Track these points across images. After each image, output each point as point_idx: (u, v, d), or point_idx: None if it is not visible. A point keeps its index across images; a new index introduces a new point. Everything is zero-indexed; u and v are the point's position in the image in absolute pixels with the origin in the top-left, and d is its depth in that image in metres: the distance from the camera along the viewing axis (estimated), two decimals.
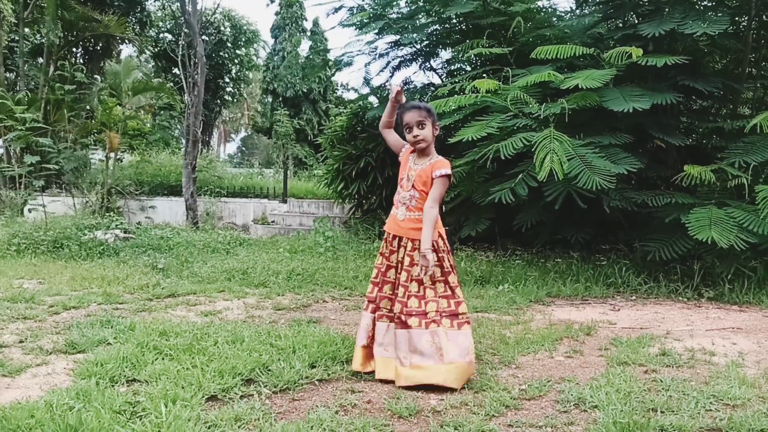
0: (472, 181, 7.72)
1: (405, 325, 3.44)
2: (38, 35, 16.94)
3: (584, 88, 6.09)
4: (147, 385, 3.12)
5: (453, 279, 3.56)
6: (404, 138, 3.69)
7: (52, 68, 14.68)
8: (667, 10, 7.11)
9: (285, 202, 14.31)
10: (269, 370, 3.46)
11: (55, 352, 3.82)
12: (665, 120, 7.17)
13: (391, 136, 3.81)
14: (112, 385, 3.10)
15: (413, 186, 3.56)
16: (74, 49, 16.39)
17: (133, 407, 2.78)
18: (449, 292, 3.52)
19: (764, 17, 7.79)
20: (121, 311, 5.07)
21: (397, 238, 3.60)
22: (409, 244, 3.53)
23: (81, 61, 16.45)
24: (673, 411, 2.94)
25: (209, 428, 2.57)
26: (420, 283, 3.48)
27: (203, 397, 2.97)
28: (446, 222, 8.89)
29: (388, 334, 3.56)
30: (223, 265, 7.51)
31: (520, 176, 6.58)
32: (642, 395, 3.16)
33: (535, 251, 8.33)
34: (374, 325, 3.63)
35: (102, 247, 8.32)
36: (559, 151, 5.85)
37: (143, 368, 3.37)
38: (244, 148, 52.15)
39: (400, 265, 3.57)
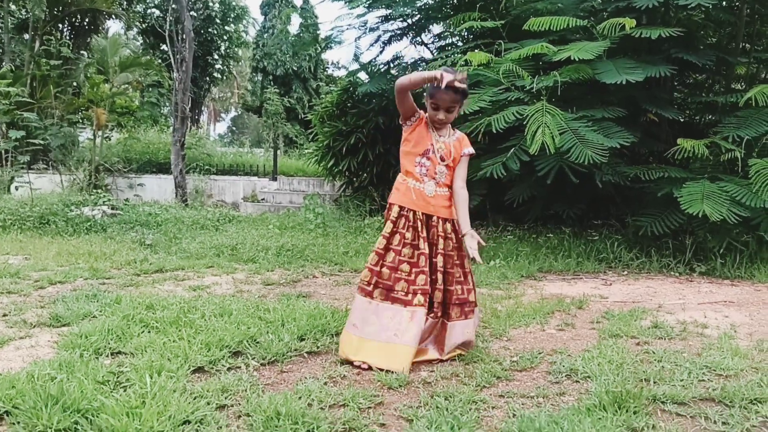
0: None
1: (448, 317, 3.31)
2: (23, 10, 16.64)
3: (577, 60, 6.01)
4: (132, 357, 3.06)
5: (468, 264, 3.40)
6: (421, 106, 3.40)
7: (37, 44, 14.44)
8: None
9: (275, 179, 14.22)
10: (257, 342, 3.40)
11: (39, 326, 3.75)
12: (659, 94, 7.11)
13: (408, 98, 3.34)
14: (96, 357, 3.04)
15: (443, 160, 3.30)
16: (60, 25, 16.11)
17: (117, 378, 2.72)
18: (463, 278, 3.35)
19: None
20: (107, 286, 5.00)
21: (424, 217, 3.29)
22: (440, 224, 3.29)
23: (67, 36, 16.16)
24: (666, 381, 2.90)
25: (195, 399, 2.51)
26: (462, 267, 3.32)
27: (189, 368, 2.91)
28: None
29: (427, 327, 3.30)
30: (212, 241, 7.44)
31: (512, 150, 6.52)
32: (634, 366, 3.12)
33: (527, 227, 8.29)
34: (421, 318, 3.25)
35: (89, 223, 8.23)
36: (551, 124, 5.78)
37: (129, 341, 3.31)
38: (234, 128, 51.80)
39: (434, 248, 3.29)
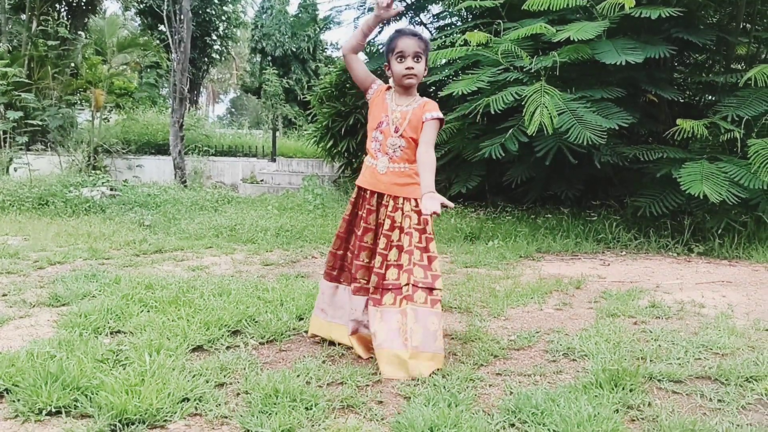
0: (463, 137, 7.64)
1: (378, 302, 2.89)
2: None
3: (576, 40, 5.98)
4: (131, 336, 3.07)
5: (433, 248, 2.94)
6: (385, 73, 3.11)
7: (35, 24, 14.32)
8: None
9: (274, 161, 14.20)
10: (256, 321, 3.42)
11: (38, 305, 3.76)
12: (658, 74, 7.08)
13: (359, 65, 3.13)
14: (96, 336, 3.05)
15: (401, 133, 2.94)
16: (57, 5, 15.94)
17: (117, 356, 2.73)
18: (426, 263, 2.88)
19: None
20: (106, 266, 5.01)
21: (375, 196, 2.99)
22: (391, 203, 2.94)
23: (64, 17, 16.02)
24: (663, 359, 2.92)
25: (194, 377, 2.52)
26: (400, 249, 2.90)
27: (188, 347, 2.93)
28: (436, 180, 8.85)
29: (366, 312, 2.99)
30: (211, 222, 7.45)
31: (510, 131, 6.50)
32: (631, 345, 3.14)
33: (526, 208, 8.29)
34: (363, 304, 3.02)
35: (88, 204, 8.23)
36: (550, 105, 5.77)
37: (128, 320, 3.33)
38: (233, 109, 51.59)
39: (379, 228, 2.97)
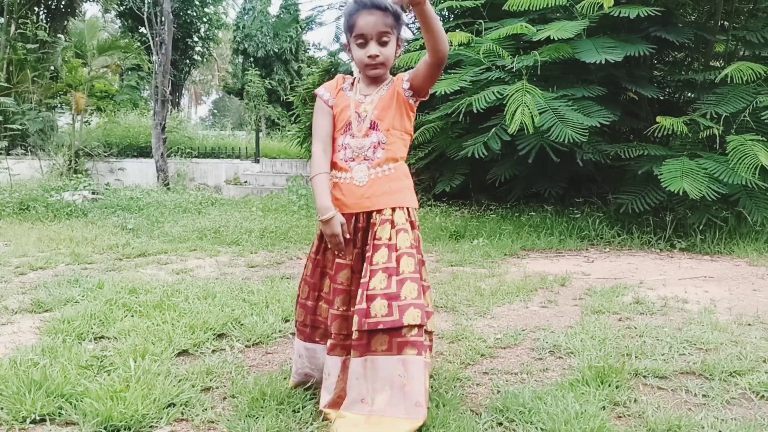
0: (446, 136, 7.66)
1: (365, 349, 2.15)
2: None
3: (556, 39, 6.02)
4: (115, 341, 3.05)
5: (426, 274, 2.39)
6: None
7: (13, 27, 14.17)
8: None
9: (257, 162, 14.16)
10: (242, 324, 3.41)
11: (21, 312, 3.72)
12: (638, 72, 7.14)
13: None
14: (80, 342, 3.03)
15: (374, 126, 2.30)
16: (36, 8, 15.81)
17: (101, 362, 2.71)
18: (416, 295, 2.17)
19: None
20: (89, 271, 4.97)
21: (353, 219, 2.30)
22: (378, 218, 2.26)
23: (44, 19, 15.87)
24: (648, 356, 2.94)
25: (180, 381, 2.51)
26: (391, 273, 2.17)
27: (174, 351, 2.91)
28: (420, 178, 8.89)
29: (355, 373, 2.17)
30: (194, 224, 7.41)
31: (493, 130, 6.52)
32: (616, 341, 3.16)
33: (510, 206, 8.32)
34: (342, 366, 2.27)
35: (70, 209, 8.15)
36: (531, 104, 5.79)
37: (112, 325, 3.30)
38: (215, 111, 51.34)
39: (359, 260, 2.29)
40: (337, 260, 2.30)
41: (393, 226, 2.25)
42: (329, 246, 2.32)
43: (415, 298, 2.15)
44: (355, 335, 2.15)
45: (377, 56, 2.26)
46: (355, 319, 2.15)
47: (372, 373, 2.13)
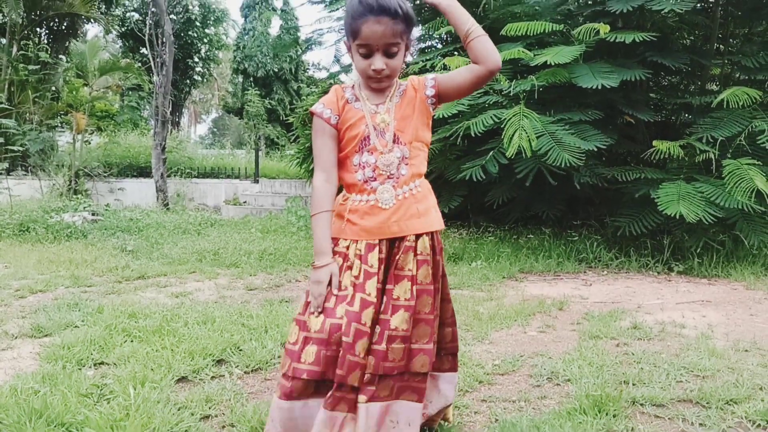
0: (445, 158, 7.70)
1: (373, 395, 1.94)
2: (0, 14, 16.48)
3: (554, 64, 6.08)
4: (115, 368, 3.06)
5: (451, 310, 2.30)
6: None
7: (15, 48, 14.29)
8: None
9: (257, 182, 14.21)
10: (241, 350, 3.42)
11: (21, 337, 3.74)
12: (635, 96, 7.20)
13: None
14: (79, 369, 3.04)
15: (396, 139, 2.04)
16: (38, 29, 15.95)
17: (101, 390, 2.73)
18: (428, 340, 2.04)
19: None
20: (89, 294, 4.98)
21: (377, 248, 2.00)
22: (402, 246, 2.03)
23: (45, 41, 16.00)
24: (645, 383, 2.96)
25: (179, 410, 2.53)
26: (411, 312, 1.98)
27: (173, 378, 2.92)
28: None
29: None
30: (194, 246, 7.42)
31: (490, 153, 6.56)
32: (614, 368, 3.18)
33: (508, 228, 8.35)
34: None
35: (69, 230, 8.17)
36: (528, 128, 5.84)
37: (111, 351, 3.31)
38: (215, 129, 51.56)
39: (381, 293, 2.00)
40: (362, 296, 1.95)
41: (415, 255, 2.02)
42: (310, 297, 2.00)
43: (425, 343, 2.02)
44: (367, 377, 1.93)
45: (383, 70, 1.98)
46: (371, 360, 1.93)
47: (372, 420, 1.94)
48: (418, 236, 2.04)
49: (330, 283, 1.97)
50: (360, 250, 2.01)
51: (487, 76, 2.01)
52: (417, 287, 2.01)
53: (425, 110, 2.09)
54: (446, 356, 2.21)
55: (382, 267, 2.01)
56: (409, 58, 2.15)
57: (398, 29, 1.93)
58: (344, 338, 1.91)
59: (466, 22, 2.03)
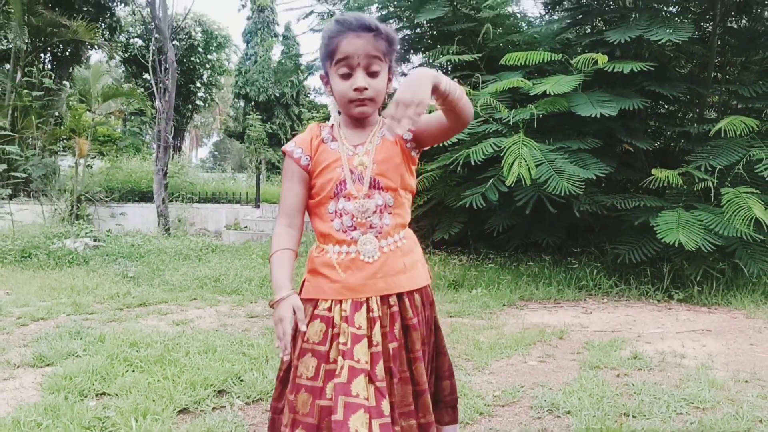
0: (445, 184, 7.75)
1: None
2: (5, 41, 16.66)
3: (553, 93, 6.14)
4: (117, 399, 3.07)
5: (448, 363, 2.02)
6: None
7: (19, 74, 14.42)
8: (634, 16, 7.22)
9: (257, 207, 14.24)
10: (242, 380, 3.43)
11: (23, 366, 3.75)
12: (633, 124, 7.26)
13: None
14: (82, 399, 3.05)
15: (376, 184, 1.79)
16: (42, 55, 16.12)
17: (103, 422, 2.74)
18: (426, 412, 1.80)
19: (728, 23, 7.95)
20: (90, 322, 4.99)
21: (364, 306, 1.74)
22: (395, 309, 1.78)
23: (49, 66, 16.16)
24: (645, 415, 2.97)
25: None
26: (407, 385, 1.76)
27: (174, 409, 2.94)
28: (419, 225, 8.94)
29: None
30: (195, 272, 7.44)
31: (490, 181, 6.61)
32: (614, 399, 3.19)
33: (508, 254, 8.38)
34: None
35: (71, 256, 8.19)
36: (528, 156, 5.89)
37: (113, 381, 3.33)
38: (216, 153, 51.82)
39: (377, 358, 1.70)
40: (350, 363, 1.67)
41: (402, 320, 1.80)
42: (275, 342, 1.74)
43: (425, 416, 1.78)
44: None
45: (365, 89, 1.73)
46: None
47: None
48: (401, 296, 1.79)
49: (296, 318, 1.72)
50: (345, 311, 1.73)
51: (460, 130, 1.84)
52: (410, 356, 1.78)
53: (407, 154, 1.85)
54: (446, 409, 2.00)
55: (375, 326, 1.73)
56: (392, 89, 1.84)
57: (380, 46, 1.74)
58: (333, 416, 1.62)
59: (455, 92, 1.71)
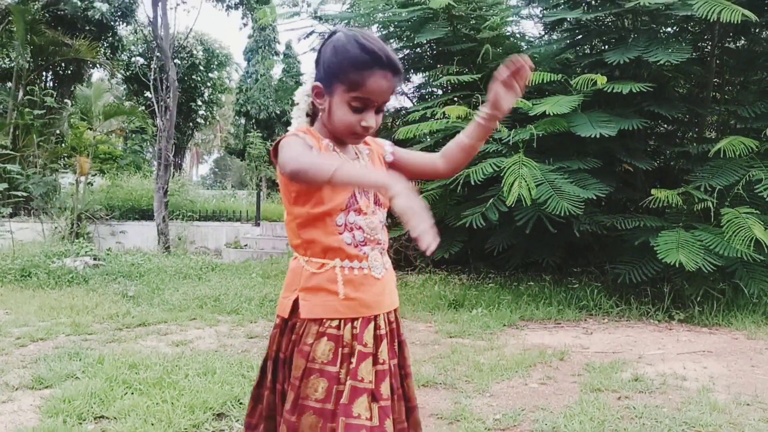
0: (445, 203, 7.76)
1: None
2: (7, 59, 16.79)
3: (552, 114, 6.17)
4: (116, 422, 3.06)
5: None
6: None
7: (21, 93, 14.51)
8: (632, 36, 7.27)
9: (258, 225, 14.24)
10: (241, 403, 3.41)
11: (21, 388, 3.73)
12: (633, 144, 7.29)
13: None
14: (80, 423, 3.04)
15: (379, 201, 1.77)
16: (44, 74, 16.24)
17: None
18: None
19: (726, 43, 8.00)
20: (90, 342, 4.98)
21: (371, 324, 1.71)
22: (393, 321, 1.82)
23: (51, 85, 16.29)
24: None
25: None
26: (402, 401, 1.79)
27: None
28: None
29: None
30: (194, 291, 7.43)
31: (490, 201, 6.62)
32: (615, 423, 3.17)
33: (508, 274, 8.37)
34: None
35: (71, 275, 8.18)
36: (527, 176, 5.91)
37: (112, 404, 3.31)
38: (216, 170, 51.94)
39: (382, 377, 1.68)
40: (353, 383, 1.62)
41: (398, 335, 1.83)
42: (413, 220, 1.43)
43: None
44: None
45: (371, 127, 1.70)
46: None
47: None
48: (394, 312, 1.82)
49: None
50: (356, 329, 1.68)
51: (444, 177, 1.85)
52: (401, 372, 1.81)
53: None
54: None
55: (382, 344, 1.71)
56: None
57: (397, 84, 1.72)
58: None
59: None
